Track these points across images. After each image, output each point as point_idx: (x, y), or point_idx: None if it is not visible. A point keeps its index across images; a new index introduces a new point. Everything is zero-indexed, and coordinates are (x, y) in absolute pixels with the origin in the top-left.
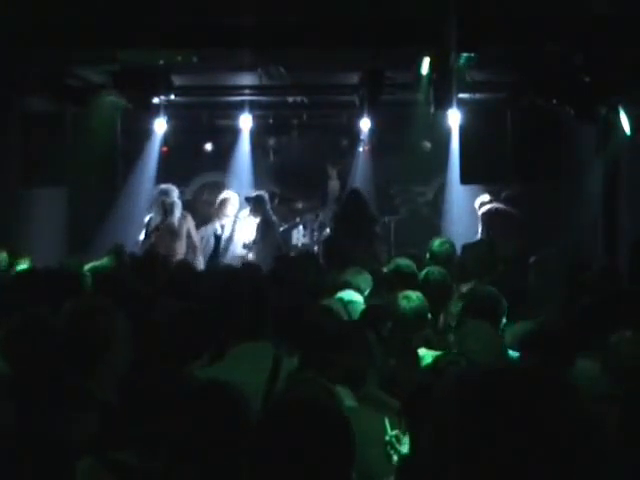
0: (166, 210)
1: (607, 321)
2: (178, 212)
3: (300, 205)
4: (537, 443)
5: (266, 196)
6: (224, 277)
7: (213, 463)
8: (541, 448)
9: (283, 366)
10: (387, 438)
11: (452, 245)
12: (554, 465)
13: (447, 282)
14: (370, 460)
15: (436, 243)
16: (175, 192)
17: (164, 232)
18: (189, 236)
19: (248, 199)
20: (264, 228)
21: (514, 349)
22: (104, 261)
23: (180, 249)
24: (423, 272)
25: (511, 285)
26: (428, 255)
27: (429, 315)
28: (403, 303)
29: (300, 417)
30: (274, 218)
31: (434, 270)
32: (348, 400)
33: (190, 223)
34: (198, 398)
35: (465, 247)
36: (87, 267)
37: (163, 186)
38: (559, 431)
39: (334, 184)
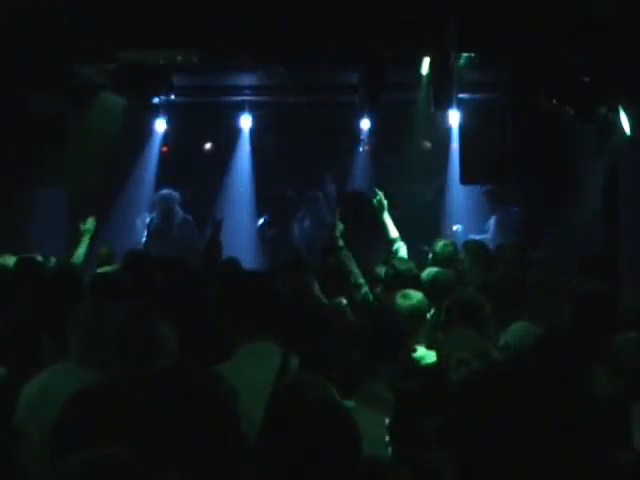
0: (166, 216)
1: (608, 321)
2: (178, 218)
3: (300, 205)
4: (541, 442)
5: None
6: (226, 277)
7: (206, 460)
8: (545, 447)
9: (291, 365)
10: (387, 438)
11: (455, 246)
12: (557, 465)
13: (454, 283)
14: None
15: (439, 245)
16: (175, 198)
17: (164, 236)
18: (191, 240)
19: (307, 197)
20: (319, 225)
21: (513, 349)
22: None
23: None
24: (431, 273)
25: (511, 285)
26: (430, 256)
27: (428, 315)
28: (401, 301)
29: (304, 415)
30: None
31: (442, 272)
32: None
33: (192, 227)
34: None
35: (465, 247)
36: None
37: (164, 192)
38: (563, 431)
39: (331, 188)
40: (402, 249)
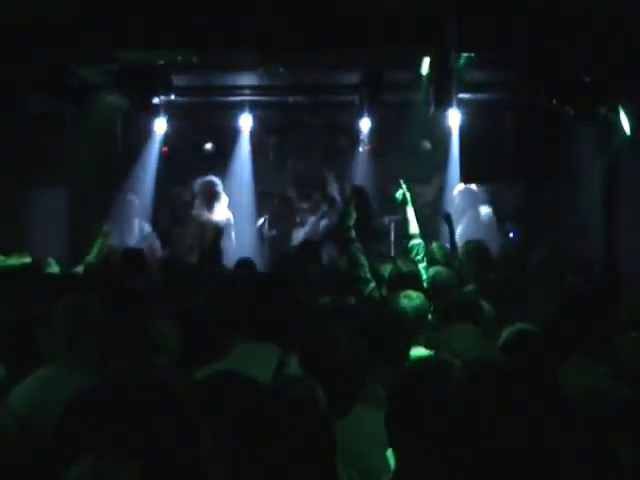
0: (212, 199)
1: (607, 321)
2: (224, 204)
3: (300, 205)
4: (522, 442)
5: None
6: (226, 277)
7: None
8: (525, 447)
9: (289, 366)
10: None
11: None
12: (538, 464)
13: (454, 284)
14: (370, 460)
15: (434, 247)
16: (218, 185)
17: (205, 225)
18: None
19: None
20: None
21: (511, 349)
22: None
23: (221, 244)
24: (430, 273)
25: (510, 286)
26: (427, 260)
27: (430, 315)
28: (404, 302)
29: (275, 417)
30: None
31: (441, 271)
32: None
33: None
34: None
35: (465, 247)
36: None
37: (211, 177)
38: (543, 430)
39: (333, 188)
40: (418, 247)
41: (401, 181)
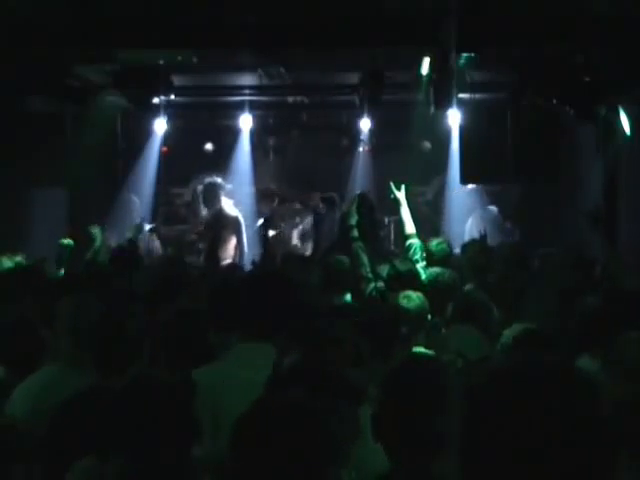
0: (214, 200)
1: (610, 322)
2: (226, 203)
3: (300, 205)
4: (551, 442)
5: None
6: (224, 277)
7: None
8: (554, 447)
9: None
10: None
11: (449, 245)
12: (573, 465)
13: (455, 284)
14: (370, 459)
15: (433, 243)
16: (220, 187)
17: (206, 225)
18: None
19: (324, 199)
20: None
21: (510, 350)
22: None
23: (231, 243)
24: (432, 274)
25: (511, 285)
26: (425, 255)
27: (429, 316)
28: (403, 302)
29: (278, 417)
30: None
31: (443, 272)
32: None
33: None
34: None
35: (466, 247)
36: None
37: (214, 178)
38: (573, 429)
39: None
40: (415, 246)
41: (391, 183)
